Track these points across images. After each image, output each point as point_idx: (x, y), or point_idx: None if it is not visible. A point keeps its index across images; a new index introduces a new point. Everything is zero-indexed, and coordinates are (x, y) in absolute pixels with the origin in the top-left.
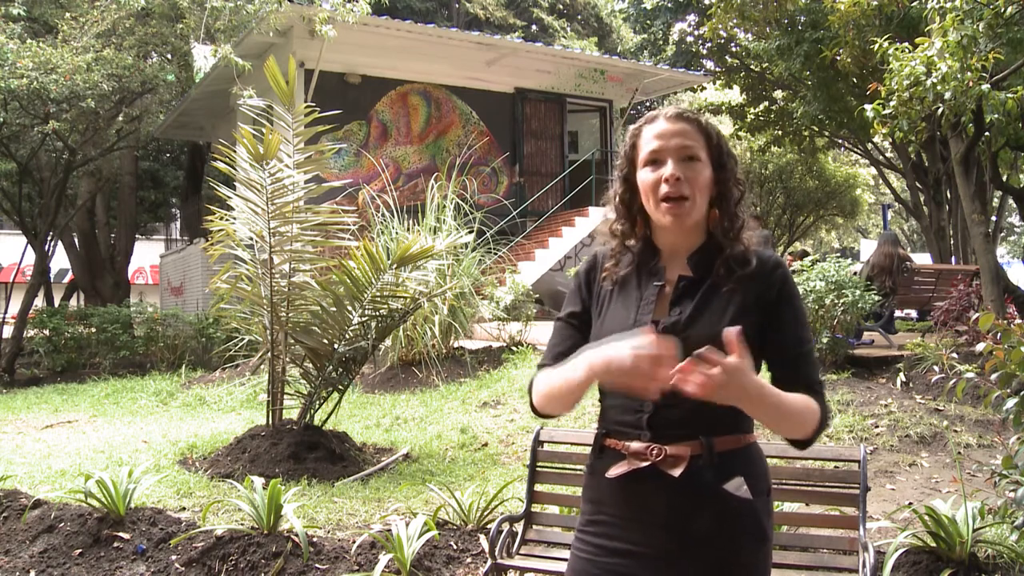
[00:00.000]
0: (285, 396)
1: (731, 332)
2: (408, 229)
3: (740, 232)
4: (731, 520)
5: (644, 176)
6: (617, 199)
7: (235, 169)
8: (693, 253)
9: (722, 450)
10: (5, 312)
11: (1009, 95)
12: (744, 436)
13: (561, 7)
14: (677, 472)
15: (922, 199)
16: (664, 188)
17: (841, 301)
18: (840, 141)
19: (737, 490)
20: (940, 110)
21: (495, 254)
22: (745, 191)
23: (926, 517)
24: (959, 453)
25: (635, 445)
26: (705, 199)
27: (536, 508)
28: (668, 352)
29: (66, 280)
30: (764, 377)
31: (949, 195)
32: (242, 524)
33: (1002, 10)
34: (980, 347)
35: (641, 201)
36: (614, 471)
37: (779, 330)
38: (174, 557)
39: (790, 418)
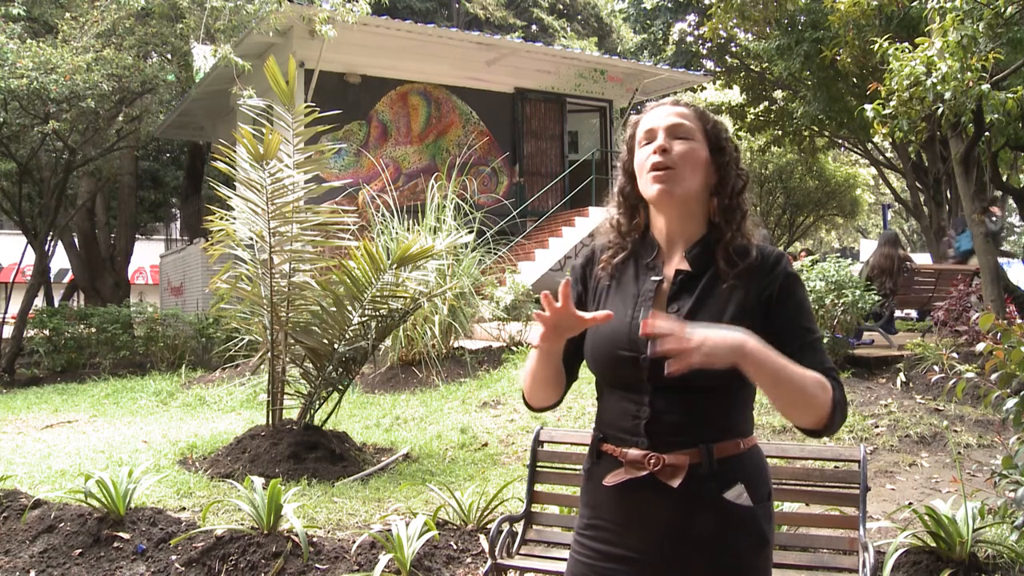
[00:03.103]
0: (285, 396)
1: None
2: (408, 229)
3: (742, 222)
4: (731, 526)
5: (639, 156)
6: (617, 190)
7: (235, 169)
8: (692, 246)
9: (721, 456)
10: (5, 312)
11: (1009, 95)
12: (744, 440)
13: (561, 7)
14: (676, 483)
15: (922, 199)
16: (652, 159)
17: (841, 301)
18: (840, 141)
19: (737, 498)
20: (940, 110)
21: (495, 254)
22: (747, 181)
23: (926, 517)
24: (959, 453)
25: (632, 453)
26: (697, 178)
27: (536, 508)
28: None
29: (66, 280)
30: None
31: (949, 195)
32: (242, 524)
33: (1002, 10)
34: (980, 347)
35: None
36: (611, 479)
37: (782, 324)
38: (174, 557)
39: (796, 392)
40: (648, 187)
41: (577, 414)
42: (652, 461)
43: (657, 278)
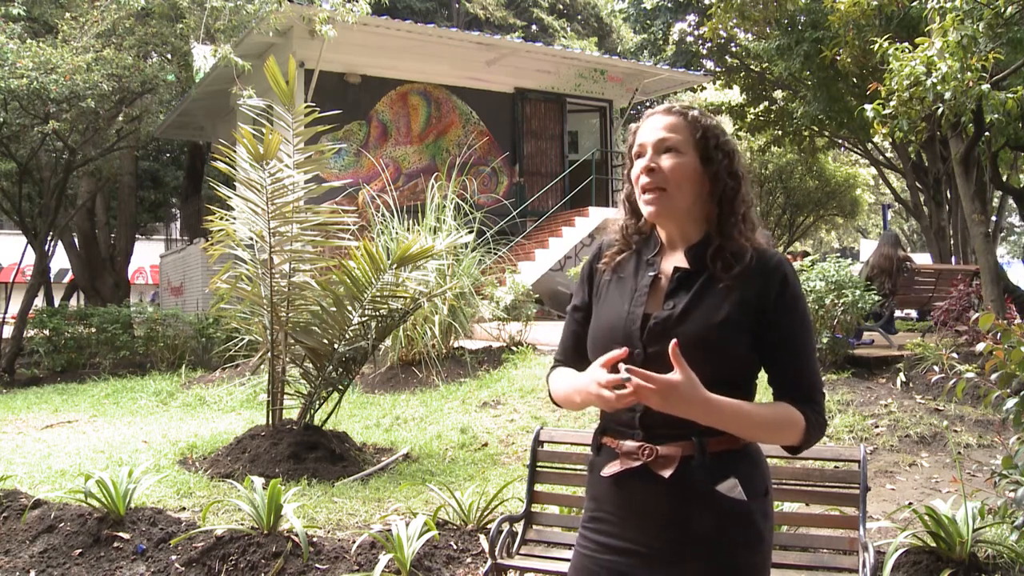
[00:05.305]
0: (285, 396)
1: (672, 346)
2: (408, 229)
3: (735, 228)
4: (725, 521)
5: (633, 169)
6: (624, 196)
7: (235, 169)
8: (691, 247)
9: (716, 450)
10: (5, 312)
11: (1009, 95)
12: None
13: (561, 7)
14: (667, 473)
15: (922, 199)
16: (642, 179)
17: (841, 301)
18: (840, 141)
19: (730, 492)
20: (940, 110)
21: (495, 254)
22: (740, 186)
23: (926, 517)
24: (959, 453)
25: (628, 444)
26: (689, 191)
27: (536, 508)
28: (617, 381)
29: (66, 280)
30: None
31: (949, 195)
32: (242, 524)
33: (1002, 10)
34: (980, 347)
35: None
36: (607, 470)
37: (777, 332)
38: (174, 557)
39: (757, 431)
40: (642, 206)
41: (577, 414)
42: (646, 452)
43: (653, 273)
